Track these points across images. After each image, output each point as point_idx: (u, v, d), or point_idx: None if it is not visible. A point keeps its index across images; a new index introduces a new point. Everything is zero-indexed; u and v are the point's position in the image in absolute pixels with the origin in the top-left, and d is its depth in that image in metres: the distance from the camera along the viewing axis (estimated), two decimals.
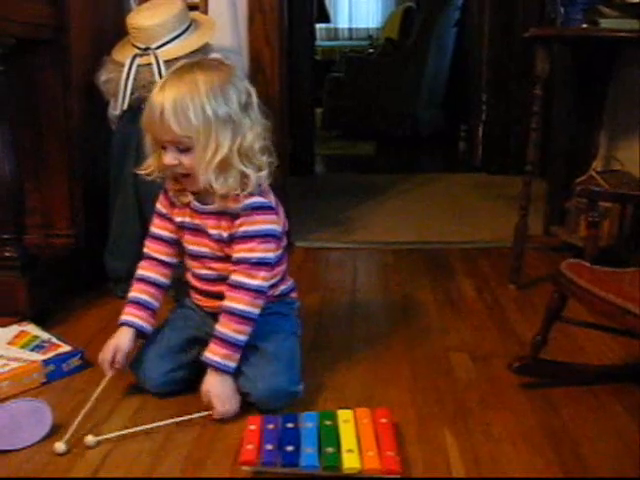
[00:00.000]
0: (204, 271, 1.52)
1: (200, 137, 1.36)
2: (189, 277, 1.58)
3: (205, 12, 2.32)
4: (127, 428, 1.36)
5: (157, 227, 1.57)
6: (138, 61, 2.04)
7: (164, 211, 1.56)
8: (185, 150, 1.38)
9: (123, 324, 1.52)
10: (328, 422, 1.33)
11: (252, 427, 1.32)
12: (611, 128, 2.50)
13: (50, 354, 1.62)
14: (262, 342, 1.48)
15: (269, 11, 2.52)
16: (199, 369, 1.46)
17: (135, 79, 2.03)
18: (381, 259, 2.60)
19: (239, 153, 1.40)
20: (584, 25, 2.07)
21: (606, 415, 1.42)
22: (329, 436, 1.29)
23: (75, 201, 2.11)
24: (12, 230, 1.83)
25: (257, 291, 1.42)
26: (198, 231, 1.50)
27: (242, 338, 1.41)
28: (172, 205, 1.54)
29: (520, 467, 1.24)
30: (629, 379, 1.58)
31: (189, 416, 1.39)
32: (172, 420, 1.38)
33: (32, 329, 1.75)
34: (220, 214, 1.46)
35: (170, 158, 1.39)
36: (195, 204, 1.49)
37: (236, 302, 1.42)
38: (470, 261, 2.51)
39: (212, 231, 1.47)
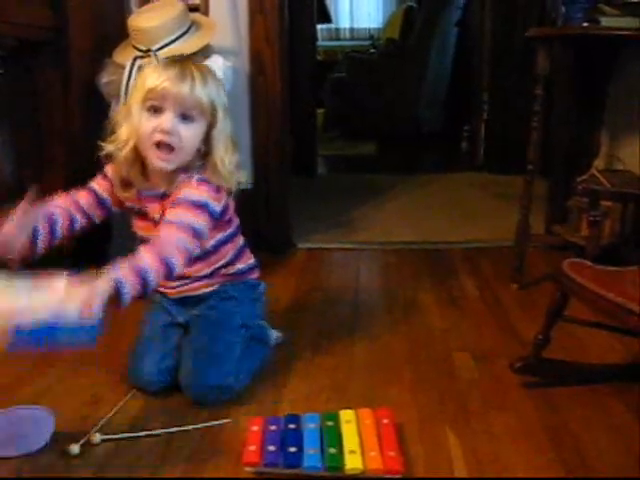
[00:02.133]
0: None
1: (218, 112, 1.43)
2: None
3: (206, 13, 2.32)
4: (130, 430, 1.37)
5: (95, 182, 1.55)
6: (139, 63, 2.04)
7: (100, 191, 1.53)
8: (188, 120, 1.40)
9: None
10: (330, 423, 1.33)
11: (254, 428, 1.32)
12: (612, 126, 2.50)
13: None
14: (198, 336, 1.53)
15: (270, 12, 2.52)
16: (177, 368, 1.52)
17: (136, 81, 2.03)
18: (383, 259, 2.60)
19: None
20: (585, 24, 2.06)
21: (608, 414, 1.42)
22: (331, 437, 1.29)
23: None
24: None
25: (179, 245, 1.35)
26: (143, 215, 1.52)
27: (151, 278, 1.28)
28: (113, 185, 1.53)
29: (522, 466, 1.24)
30: (631, 378, 1.58)
31: (193, 426, 1.38)
32: (177, 429, 1.38)
33: None
34: (163, 196, 1.48)
35: (170, 122, 1.38)
36: (143, 192, 1.50)
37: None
38: (472, 261, 2.50)
39: (155, 215, 1.49)
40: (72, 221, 1.48)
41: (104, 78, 2.09)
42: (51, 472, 1.25)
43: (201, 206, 1.41)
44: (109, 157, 1.50)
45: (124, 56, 2.10)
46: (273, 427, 1.32)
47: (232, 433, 1.36)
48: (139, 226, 1.54)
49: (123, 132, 1.45)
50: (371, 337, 1.83)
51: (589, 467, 1.24)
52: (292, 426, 1.32)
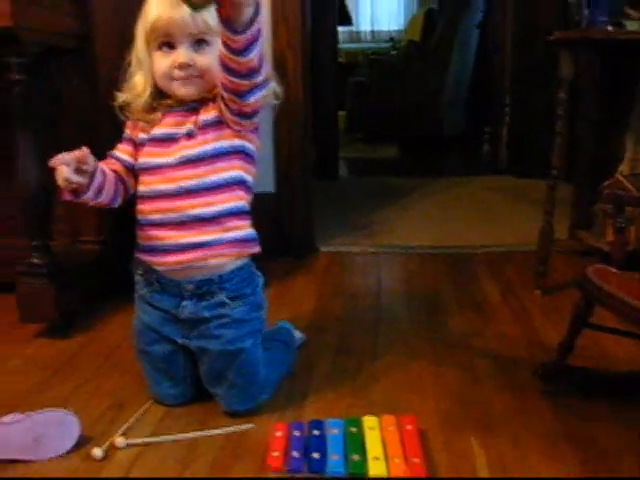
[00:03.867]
0: (163, 185, 1.40)
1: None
2: (140, 232, 1.49)
3: None
4: (154, 434, 1.38)
5: (116, 149, 1.51)
6: None
7: (129, 134, 1.49)
8: (201, 47, 1.35)
9: None
10: (354, 429, 1.34)
11: (278, 434, 1.32)
12: (638, 131, 2.47)
13: None
14: (220, 369, 1.43)
15: (292, 19, 2.53)
16: (194, 375, 1.49)
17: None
18: (405, 263, 2.59)
19: None
20: (609, 27, 2.04)
21: (635, 424, 1.41)
22: (355, 443, 1.29)
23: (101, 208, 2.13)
24: (40, 237, 1.86)
25: None
26: (166, 140, 1.41)
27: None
28: (135, 127, 1.47)
29: (547, 475, 1.24)
30: None
31: (216, 431, 1.39)
32: (200, 434, 1.38)
33: None
34: (197, 109, 1.41)
35: (185, 56, 1.35)
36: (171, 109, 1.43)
37: None
38: (495, 265, 2.49)
39: (185, 128, 1.40)
40: (117, 188, 1.47)
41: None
42: (75, 475, 1.26)
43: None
44: (124, 108, 1.45)
45: None
46: (297, 433, 1.32)
47: (256, 439, 1.36)
48: (150, 152, 1.43)
49: (138, 80, 1.42)
50: (393, 342, 1.83)
51: (616, 474, 1.23)
52: (316, 432, 1.33)
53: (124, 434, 1.37)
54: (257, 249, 1.46)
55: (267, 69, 1.32)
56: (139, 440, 1.36)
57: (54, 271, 1.86)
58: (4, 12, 1.66)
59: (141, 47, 1.41)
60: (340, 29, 5.94)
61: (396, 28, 8.88)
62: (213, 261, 1.40)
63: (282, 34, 2.52)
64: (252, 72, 1.28)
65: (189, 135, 1.40)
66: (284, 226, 2.59)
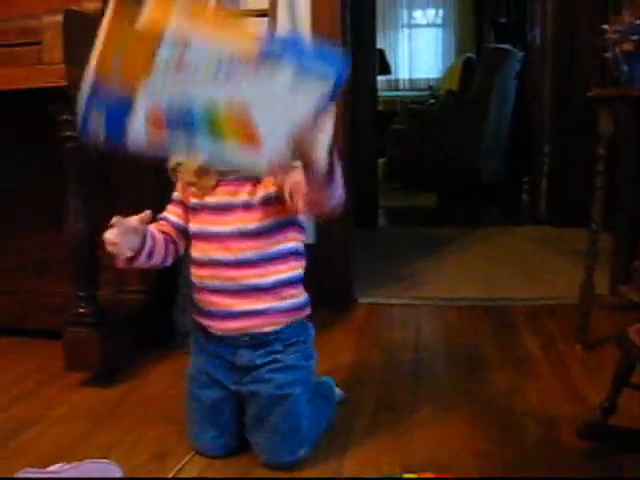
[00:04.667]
0: (221, 254, 1.44)
1: None
2: (197, 295, 1.52)
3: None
4: None
5: (166, 211, 1.56)
6: None
7: (179, 196, 1.53)
8: None
9: None
10: None
11: None
12: None
13: None
14: (267, 413, 1.46)
15: None
16: (240, 426, 1.51)
17: None
18: (444, 316, 2.59)
19: None
20: None
21: None
22: None
23: None
24: (86, 288, 1.91)
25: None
26: (221, 209, 1.45)
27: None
28: (185, 190, 1.51)
29: None
30: None
31: None
32: None
33: None
34: (245, 180, 1.44)
35: None
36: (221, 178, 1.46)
37: None
38: (535, 318, 2.48)
39: (240, 199, 1.43)
40: (168, 249, 1.51)
41: None
42: None
43: None
44: (175, 169, 1.50)
45: None
46: None
47: None
48: (209, 220, 1.46)
49: None
50: (433, 397, 1.83)
51: None
52: None
53: None
54: (309, 312, 1.54)
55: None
56: None
57: (100, 321, 1.91)
58: (59, 73, 1.74)
59: None
60: (379, 77, 6.03)
61: (434, 76, 8.98)
62: (268, 328, 1.47)
63: None
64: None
65: (247, 207, 1.44)
66: (323, 278, 2.61)
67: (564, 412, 1.71)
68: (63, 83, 1.75)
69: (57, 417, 1.75)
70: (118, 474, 1.38)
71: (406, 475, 1.38)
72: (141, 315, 2.15)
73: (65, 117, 1.81)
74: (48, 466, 1.38)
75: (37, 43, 1.76)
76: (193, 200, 1.49)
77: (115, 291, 2.19)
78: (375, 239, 3.96)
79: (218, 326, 1.49)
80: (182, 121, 1.00)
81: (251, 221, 1.43)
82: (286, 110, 0.99)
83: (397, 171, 5.88)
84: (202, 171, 1.46)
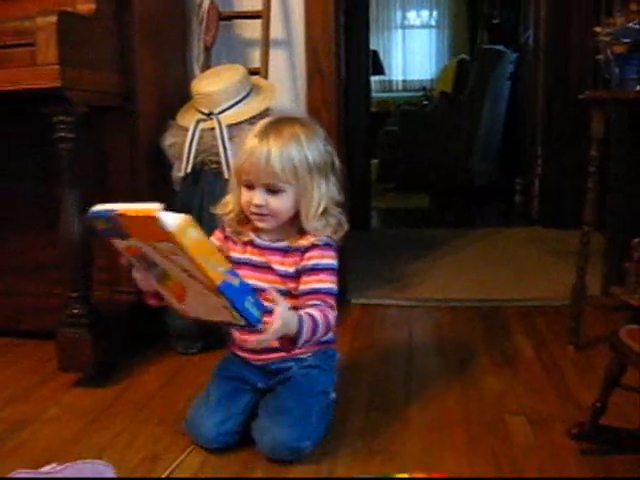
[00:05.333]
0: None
1: (300, 183, 1.50)
2: (236, 334, 1.62)
3: (265, 76, 2.40)
4: None
5: (214, 237, 1.65)
6: (202, 125, 2.13)
7: (218, 244, 1.62)
8: (275, 192, 1.50)
9: None
10: None
11: None
12: None
13: None
14: (285, 395, 1.55)
15: (327, 72, 2.59)
16: (248, 420, 1.55)
17: (198, 143, 2.12)
18: (437, 316, 2.60)
19: (332, 200, 1.55)
20: (639, 87, 2.06)
21: None
22: None
23: None
24: (80, 289, 1.91)
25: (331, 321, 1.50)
26: (260, 267, 1.58)
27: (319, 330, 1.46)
28: (227, 240, 1.63)
29: None
30: None
31: None
32: None
33: None
34: (285, 251, 1.56)
35: (260, 199, 1.50)
36: (259, 242, 1.58)
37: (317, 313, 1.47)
38: (527, 319, 2.49)
39: (277, 267, 1.56)
40: None
41: (167, 140, 2.18)
42: None
43: (334, 270, 1.57)
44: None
45: (187, 119, 2.19)
46: None
47: None
48: (248, 276, 1.52)
49: (229, 201, 1.60)
50: (426, 397, 1.83)
51: None
52: None
53: None
54: (334, 344, 1.71)
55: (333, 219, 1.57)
56: None
57: (93, 321, 1.91)
58: (53, 74, 1.74)
59: (233, 178, 1.60)
60: (372, 79, 6.04)
61: (428, 77, 9.00)
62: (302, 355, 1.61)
63: (317, 89, 2.58)
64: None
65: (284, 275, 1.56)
66: None
67: (556, 412, 1.72)
68: (57, 84, 1.75)
69: (50, 418, 1.74)
70: (111, 474, 1.38)
71: (398, 475, 1.38)
72: (134, 316, 2.14)
73: (59, 118, 1.81)
74: (42, 467, 1.38)
75: (31, 44, 1.76)
76: (233, 254, 1.62)
77: (109, 292, 2.19)
78: (368, 240, 3.96)
79: (250, 357, 1.62)
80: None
81: (284, 284, 1.56)
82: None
83: (390, 172, 5.90)
84: (241, 219, 1.60)
